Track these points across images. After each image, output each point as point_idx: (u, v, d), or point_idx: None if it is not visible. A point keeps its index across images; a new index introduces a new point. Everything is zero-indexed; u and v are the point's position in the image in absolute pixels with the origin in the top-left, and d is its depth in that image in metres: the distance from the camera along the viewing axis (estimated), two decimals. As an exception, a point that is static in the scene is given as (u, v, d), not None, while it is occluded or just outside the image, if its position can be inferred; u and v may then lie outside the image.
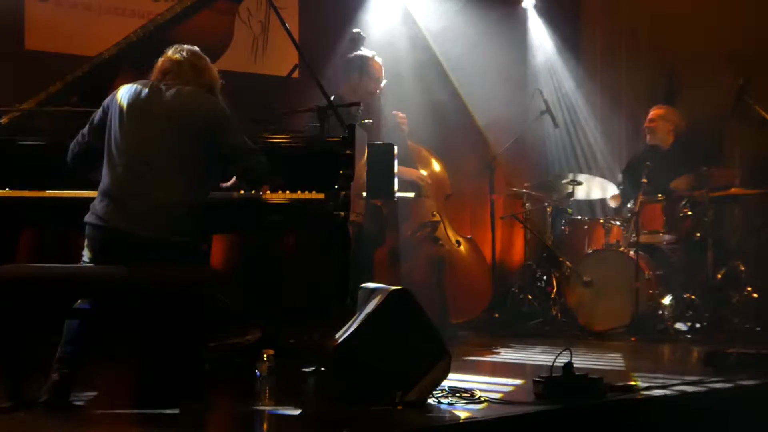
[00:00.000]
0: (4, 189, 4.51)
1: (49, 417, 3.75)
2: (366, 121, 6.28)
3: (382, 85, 6.39)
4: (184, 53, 4.28)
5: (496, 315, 7.31)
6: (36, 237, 4.84)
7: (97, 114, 4.23)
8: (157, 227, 3.98)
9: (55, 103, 4.75)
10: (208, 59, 4.36)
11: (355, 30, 6.58)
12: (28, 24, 6.29)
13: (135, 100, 4.13)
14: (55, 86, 4.83)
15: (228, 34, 5.35)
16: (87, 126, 4.26)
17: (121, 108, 4.12)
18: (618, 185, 7.75)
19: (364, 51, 6.35)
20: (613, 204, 7.81)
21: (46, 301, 4.02)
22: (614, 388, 4.32)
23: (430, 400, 4.04)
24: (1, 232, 4.56)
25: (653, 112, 7.81)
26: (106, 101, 4.21)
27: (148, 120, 4.09)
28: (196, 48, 4.35)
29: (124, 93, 4.17)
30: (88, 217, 4.04)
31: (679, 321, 7.03)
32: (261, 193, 4.52)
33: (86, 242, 4.06)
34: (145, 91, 4.16)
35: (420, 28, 8.15)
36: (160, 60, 4.27)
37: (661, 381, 4.74)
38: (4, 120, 4.83)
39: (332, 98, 5.10)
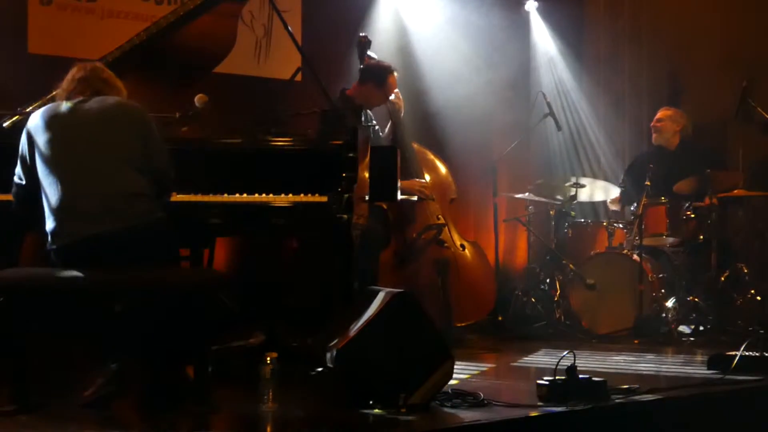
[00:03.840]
0: (8, 193, 4.50)
1: (52, 420, 3.75)
2: (371, 124, 6.30)
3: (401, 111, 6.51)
4: (87, 69, 4.25)
5: (500, 318, 7.29)
6: (39, 241, 4.83)
7: (21, 156, 4.16)
8: (117, 221, 3.96)
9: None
10: (110, 72, 4.33)
11: (361, 34, 6.59)
12: (31, 27, 6.30)
13: (54, 124, 4.08)
14: (57, 90, 4.82)
15: (231, 37, 5.34)
16: (20, 170, 4.18)
17: (44, 137, 4.06)
18: (620, 185, 7.75)
19: (379, 59, 6.39)
20: (613, 207, 7.81)
21: (49, 305, 4.03)
22: (618, 390, 4.32)
23: (433, 404, 4.03)
24: (6, 236, 4.56)
25: (661, 113, 7.80)
26: (22, 140, 4.15)
27: (78, 136, 4.06)
28: (96, 63, 4.38)
29: (38, 122, 4.11)
30: (49, 245, 4.02)
31: (683, 324, 7.02)
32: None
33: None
34: (62, 111, 4.12)
35: (423, 31, 8.16)
36: (65, 81, 4.23)
37: (664, 384, 4.74)
38: (7, 124, 4.82)
39: (336, 97, 5.10)
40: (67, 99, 4.18)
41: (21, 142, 4.16)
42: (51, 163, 4.04)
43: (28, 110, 4.78)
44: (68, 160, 4.04)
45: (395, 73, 6.46)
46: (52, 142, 4.05)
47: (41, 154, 4.07)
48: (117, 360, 3.98)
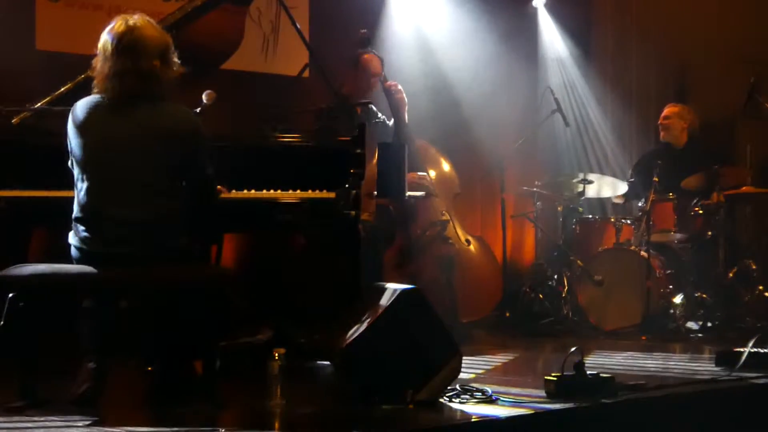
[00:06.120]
0: (16, 189, 4.52)
1: (60, 415, 3.75)
2: (377, 119, 6.30)
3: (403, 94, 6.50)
4: (132, 60, 3.95)
5: (507, 314, 7.31)
6: (47, 237, 4.85)
7: (67, 145, 4.10)
8: (139, 245, 3.93)
9: (66, 103, 4.76)
10: (156, 36, 4.04)
11: (362, 30, 6.58)
12: (39, 24, 6.31)
13: (89, 131, 3.99)
14: (66, 86, 4.84)
15: (238, 33, 5.35)
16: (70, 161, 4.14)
17: (78, 141, 4.00)
18: (628, 179, 7.74)
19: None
20: (616, 201, 7.82)
21: (58, 301, 4.04)
22: (625, 387, 4.32)
23: (441, 399, 4.04)
24: (13, 232, 4.57)
25: (668, 110, 7.79)
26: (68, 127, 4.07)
27: (110, 155, 3.98)
28: (142, 29, 4.01)
29: (76, 122, 4.03)
30: (72, 239, 4.01)
31: (691, 320, 7.02)
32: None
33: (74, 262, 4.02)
34: (108, 110, 4.00)
35: (430, 26, 8.15)
36: (112, 71, 3.97)
37: (672, 380, 4.74)
38: (15, 120, 4.83)
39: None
40: (106, 92, 4.01)
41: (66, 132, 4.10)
42: (82, 169, 4.02)
43: (36, 107, 4.80)
44: (98, 174, 3.99)
45: (371, 54, 6.45)
46: (84, 151, 4.00)
47: (75, 155, 4.04)
48: (98, 358, 3.97)
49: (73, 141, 4.04)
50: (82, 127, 4.01)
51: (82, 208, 3.99)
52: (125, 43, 3.99)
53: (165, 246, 3.97)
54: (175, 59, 4.11)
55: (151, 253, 3.94)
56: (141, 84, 3.99)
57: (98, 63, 4.05)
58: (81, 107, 4.07)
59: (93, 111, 4.02)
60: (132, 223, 3.93)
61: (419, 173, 6.59)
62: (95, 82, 4.07)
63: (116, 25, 4.04)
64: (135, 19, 4.05)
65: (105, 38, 4.04)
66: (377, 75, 6.44)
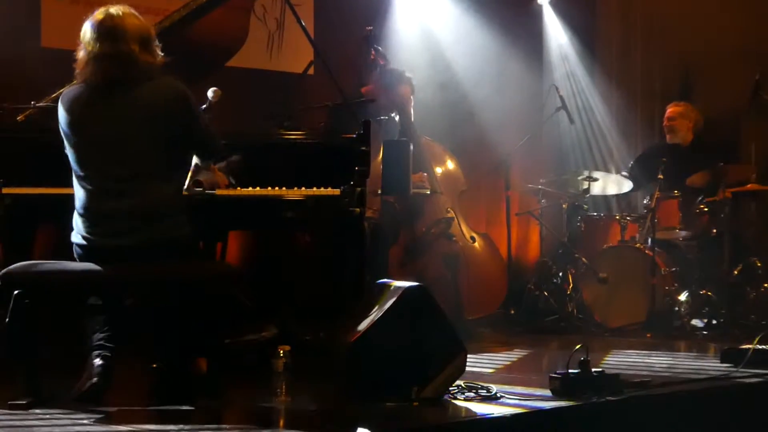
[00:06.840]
0: (21, 186, 4.52)
1: (65, 412, 3.76)
2: (382, 118, 6.30)
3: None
4: (114, 44, 3.96)
5: (512, 311, 7.31)
6: (53, 234, 4.86)
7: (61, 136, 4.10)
8: (142, 235, 3.92)
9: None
10: (136, 23, 4.07)
11: (368, 27, 6.58)
12: (45, 22, 6.31)
13: (75, 125, 3.99)
14: (71, 84, 4.83)
15: (243, 30, 5.35)
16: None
17: (69, 124, 4.00)
18: (629, 171, 7.73)
19: (385, 55, 6.41)
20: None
21: (63, 298, 4.04)
22: (630, 384, 4.32)
23: (445, 396, 4.04)
24: (19, 229, 4.58)
25: (672, 110, 7.76)
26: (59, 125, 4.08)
27: (102, 136, 3.97)
28: (123, 17, 4.03)
29: (64, 115, 4.03)
30: (74, 237, 4.00)
31: (696, 317, 7.02)
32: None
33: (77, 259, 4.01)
34: (90, 101, 4.00)
35: (436, 24, 8.15)
36: (89, 44, 4.01)
37: (677, 378, 4.73)
38: (21, 117, 4.84)
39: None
40: (88, 80, 4.02)
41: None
42: (76, 167, 4.02)
43: (41, 104, 4.80)
44: (91, 169, 3.98)
45: (408, 84, 6.49)
46: (75, 149, 4.00)
47: (68, 153, 4.04)
48: (103, 354, 3.97)
49: (65, 140, 4.05)
50: (68, 126, 4.01)
51: (81, 204, 3.99)
52: (104, 28, 4.01)
53: (166, 237, 3.96)
54: (158, 50, 4.12)
55: (153, 244, 3.93)
56: (120, 68, 3.98)
57: (79, 52, 4.08)
58: (64, 105, 4.06)
59: (75, 105, 4.02)
60: (131, 215, 3.93)
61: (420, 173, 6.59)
62: (77, 71, 4.08)
63: (97, 14, 4.07)
64: (117, 8, 4.08)
65: (85, 27, 4.07)
66: (402, 103, 6.51)
